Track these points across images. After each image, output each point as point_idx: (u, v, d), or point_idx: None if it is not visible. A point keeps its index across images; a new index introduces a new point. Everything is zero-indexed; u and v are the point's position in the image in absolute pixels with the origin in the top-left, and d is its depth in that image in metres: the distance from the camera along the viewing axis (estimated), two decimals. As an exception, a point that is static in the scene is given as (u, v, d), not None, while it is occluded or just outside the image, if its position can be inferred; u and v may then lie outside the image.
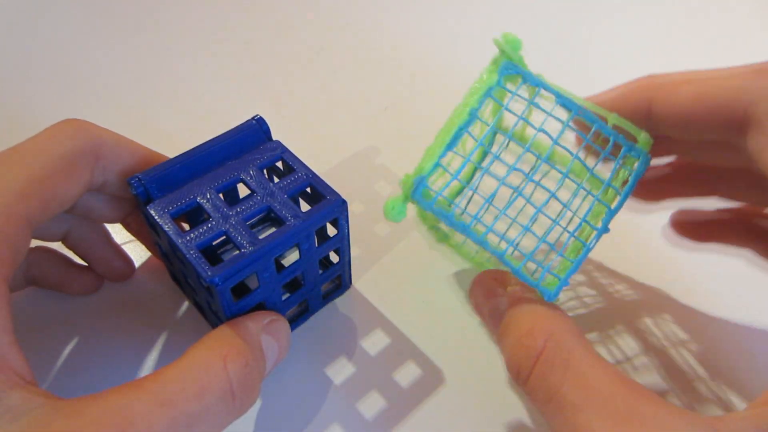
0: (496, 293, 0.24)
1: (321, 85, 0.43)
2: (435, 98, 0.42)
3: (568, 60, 0.46)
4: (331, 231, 0.27)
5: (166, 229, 0.24)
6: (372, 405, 0.27)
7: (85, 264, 0.29)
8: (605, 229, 0.23)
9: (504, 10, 0.50)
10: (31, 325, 0.29)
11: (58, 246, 0.29)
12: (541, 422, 0.27)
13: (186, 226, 0.28)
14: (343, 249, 0.28)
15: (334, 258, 0.29)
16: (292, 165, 0.27)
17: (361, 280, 0.31)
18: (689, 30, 0.48)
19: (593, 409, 0.19)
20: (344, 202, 0.26)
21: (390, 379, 0.28)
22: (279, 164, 0.28)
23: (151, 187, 0.25)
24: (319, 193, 0.26)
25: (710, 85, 0.21)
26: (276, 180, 0.28)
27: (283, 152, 0.27)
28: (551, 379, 0.20)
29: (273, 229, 0.27)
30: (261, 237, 0.24)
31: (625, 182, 0.24)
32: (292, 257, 0.31)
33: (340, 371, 0.28)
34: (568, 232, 0.24)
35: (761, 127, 0.19)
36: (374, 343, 0.29)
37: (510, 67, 0.23)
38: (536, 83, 0.23)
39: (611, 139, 0.23)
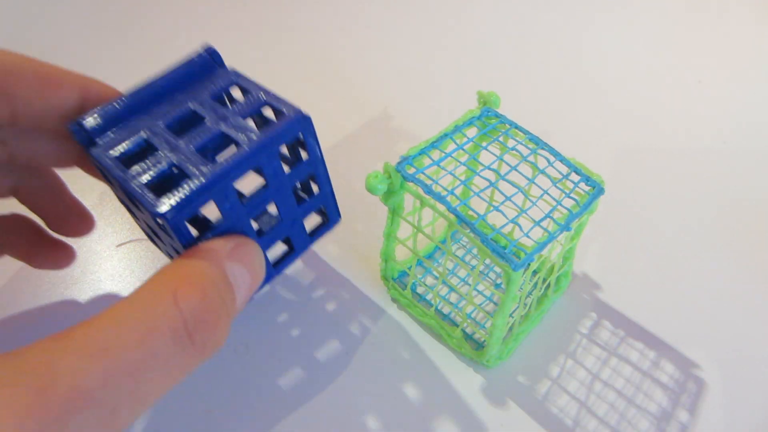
0: None
1: (323, 88, 0.43)
2: (435, 98, 0.42)
3: (564, 61, 0.45)
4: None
5: (108, 165, 0.21)
6: (374, 410, 0.26)
7: (57, 238, 0.28)
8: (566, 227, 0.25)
9: (504, 11, 0.50)
10: (22, 316, 0.27)
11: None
12: (541, 426, 0.26)
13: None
14: (319, 175, 0.25)
15: (315, 190, 0.26)
16: (247, 87, 0.24)
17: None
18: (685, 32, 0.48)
19: None
20: (306, 118, 0.23)
21: (393, 384, 0.27)
22: (239, 95, 0.25)
23: (93, 130, 0.22)
24: (280, 112, 0.23)
25: None
26: None
27: (237, 77, 0.24)
28: None
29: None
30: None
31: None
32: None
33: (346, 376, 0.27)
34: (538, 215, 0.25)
35: None
36: (376, 346, 0.28)
37: (489, 110, 0.28)
38: (511, 122, 0.28)
39: (570, 169, 0.26)
